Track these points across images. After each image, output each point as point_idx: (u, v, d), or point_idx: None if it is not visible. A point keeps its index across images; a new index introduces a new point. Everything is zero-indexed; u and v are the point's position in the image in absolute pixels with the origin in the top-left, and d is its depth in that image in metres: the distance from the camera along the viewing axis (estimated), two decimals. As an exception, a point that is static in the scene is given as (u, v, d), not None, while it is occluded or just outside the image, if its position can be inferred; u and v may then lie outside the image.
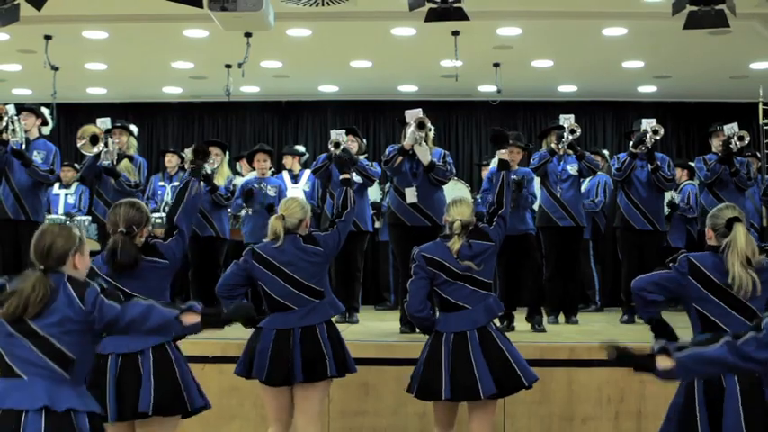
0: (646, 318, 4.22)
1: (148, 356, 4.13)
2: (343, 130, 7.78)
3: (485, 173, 10.05)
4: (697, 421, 3.89)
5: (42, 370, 3.20)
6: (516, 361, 4.70)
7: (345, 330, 6.83)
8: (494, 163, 8.13)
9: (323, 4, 6.98)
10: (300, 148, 10.06)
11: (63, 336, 3.22)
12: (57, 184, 9.35)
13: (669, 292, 4.12)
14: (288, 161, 9.16)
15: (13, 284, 3.25)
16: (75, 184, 10.04)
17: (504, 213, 5.06)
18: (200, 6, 5.76)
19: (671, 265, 4.06)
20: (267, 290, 4.78)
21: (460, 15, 5.73)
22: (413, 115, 6.88)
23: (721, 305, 3.96)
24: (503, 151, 5.26)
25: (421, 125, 6.86)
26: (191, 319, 3.43)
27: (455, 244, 4.75)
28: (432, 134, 7.13)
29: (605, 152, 10.11)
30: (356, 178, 7.66)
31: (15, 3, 5.72)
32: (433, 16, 5.80)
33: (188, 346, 5.81)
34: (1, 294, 3.23)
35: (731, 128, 7.72)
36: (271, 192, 8.10)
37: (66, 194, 9.92)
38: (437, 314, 4.88)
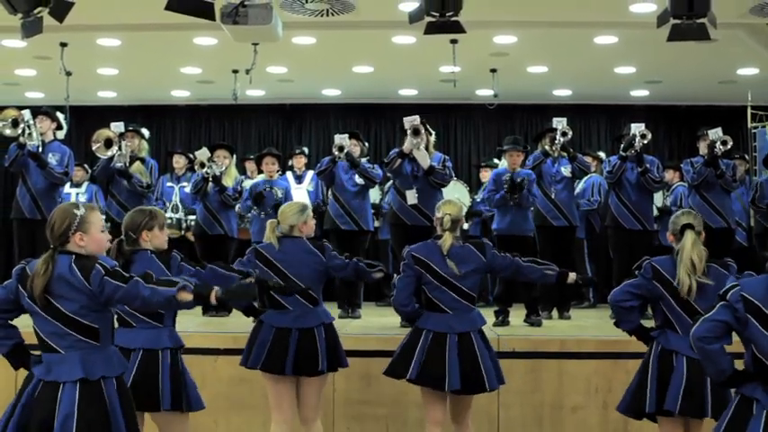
0: (627, 328, 4.59)
1: (138, 354, 4.40)
2: (347, 135, 8.12)
3: (483, 174, 10.39)
4: (647, 387, 4.41)
5: (75, 343, 3.58)
6: (485, 366, 4.88)
7: (348, 325, 7.17)
8: (501, 165, 8.46)
9: (327, 15, 7.27)
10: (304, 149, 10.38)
11: (83, 312, 3.58)
12: (67, 184, 9.64)
13: (641, 297, 4.51)
14: (299, 161, 9.47)
15: (34, 267, 3.61)
16: (86, 184, 10.31)
17: (521, 264, 5.06)
18: (213, 19, 6.04)
19: (637, 272, 4.46)
20: None
21: (458, 28, 5.99)
22: (409, 122, 7.22)
23: (673, 304, 4.41)
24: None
25: (416, 132, 7.19)
26: (184, 297, 3.66)
27: (446, 241, 4.95)
28: (433, 139, 7.49)
29: (602, 154, 10.34)
30: (358, 180, 8.02)
31: (39, 16, 6.00)
32: (431, 29, 6.08)
33: (200, 339, 6.16)
34: (27, 280, 3.59)
35: (715, 132, 7.97)
36: (278, 193, 8.39)
37: (78, 194, 10.20)
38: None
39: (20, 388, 3.66)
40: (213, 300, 3.59)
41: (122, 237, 4.42)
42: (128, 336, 4.42)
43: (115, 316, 4.10)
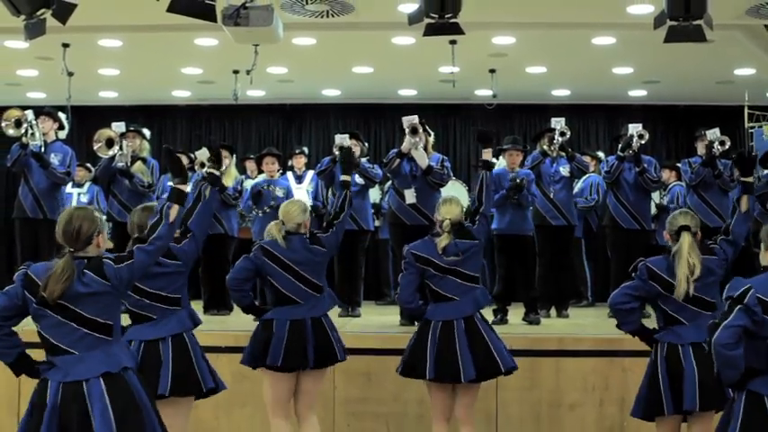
0: (629, 330, 4.65)
1: (168, 344, 4.50)
2: (347, 134, 8.18)
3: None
4: (660, 389, 4.45)
5: (91, 342, 3.67)
6: (497, 349, 5.06)
7: (348, 323, 7.24)
8: (498, 165, 8.51)
9: (327, 16, 7.33)
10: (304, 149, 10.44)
11: (100, 311, 3.68)
12: (69, 184, 9.69)
13: (640, 298, 4.59)
14: (298, 161, 9.55)
15: (39, 271, 3.65)
16: (88, 184, 10.36)
17: (485, 211, 5.36)
18: (214, 21, 6.10)
19: (633, 274, 4.53)
20: (275, 284, 5.14)
21: (457, 30, 6.05)
22: (408, 121, 7.29)
23: (678, 301, 4.46)
24: (487, 151, 5.57)
25: (413, 131, 7.26)
26: (173, 213, 4.14)
27: (443, 241, 5.08)
28: (432, 139, 7.55)
29: (600, 154, 10.40)
30: (358, 179, 8.07)
31: (42, 17, 6.05)
32: (430, 31, 6.13)
33: (202, 337, 6.18)
34: (34, 285, 3.62)
35: (713, 133, 8.04)
36: (279, 193, 8.44)
37: (79, 193, 10.26)
38: (429, 305, 5.20)
39: (33, 396, 3.67)
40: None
41: (138, 234, 4.44)
42: (151, 329, 4.50)
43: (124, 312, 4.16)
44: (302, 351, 5.07)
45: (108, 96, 11.67)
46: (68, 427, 3.55)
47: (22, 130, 7.82)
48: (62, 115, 8.40)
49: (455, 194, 6.24)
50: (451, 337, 5.01)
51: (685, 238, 4.50)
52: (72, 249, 3.69)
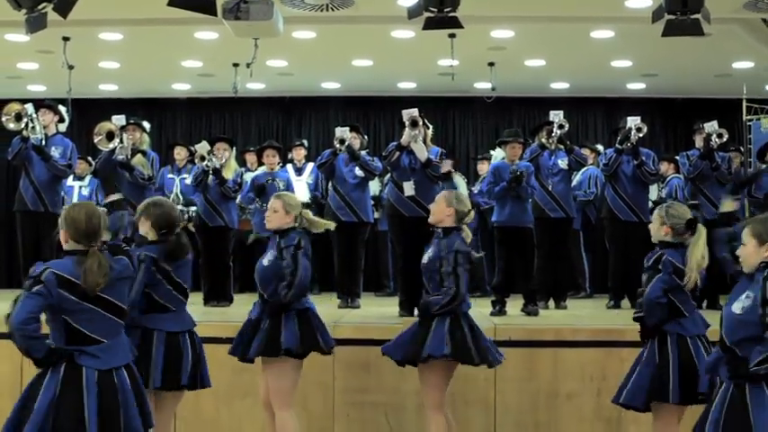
0: (653, 323, 4.62)
1: (186, 337, 4.60)
2: (347, 127, 8.23)
3: (480, 166, 10.52)
4: (669, 378, 4.50)
5: (116, 330, 3.80)
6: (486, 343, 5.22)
7: (348, 314, 7.29)
8: (496, 157, 8.57)
9: (327, 9, 7.38)
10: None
11: (123, 298, 3.83)
12: (70, 177, 9.73)
13: (667, 291, 4.59)
14: (298, 153, 9.59)
15: (67, 268, 3.67)
16: (89, 177, 10.41)
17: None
18: (215, 15, 6.14)
19: (660, 267, 4.56)
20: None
21: (456, 24, 6.13)
22: (407, 114, 7.34)
23: (686, 293, 4.54)
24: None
25: (413, 123, 7.30)
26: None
27: (470, 235, 5.21)
28: (430, 133, 7.59)
29: (600, 147, 10.42)
30: (358, 172, 8.13)
31: (43, 11, 6.09)
32: (430, 25, 6.20)
33: (203, 328, 6.20)
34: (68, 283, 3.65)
35: (711, 126, 8.11)
36: (280, 185, 8.49)
37: (81, 186, 10.30)
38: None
39: (59, 383, 3.65)
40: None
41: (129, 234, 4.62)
42: (173, 321, 4.58)
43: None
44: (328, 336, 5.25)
45: (108, 89, 11.69)
46: (106, 416, 3.63)
47: (23, 124, 7.84)
48: (62, 108, 8.43)
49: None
50: (461, 328, 5.09)
51: (702, 232, 4.54)
52: (93, 244, 3.75)
